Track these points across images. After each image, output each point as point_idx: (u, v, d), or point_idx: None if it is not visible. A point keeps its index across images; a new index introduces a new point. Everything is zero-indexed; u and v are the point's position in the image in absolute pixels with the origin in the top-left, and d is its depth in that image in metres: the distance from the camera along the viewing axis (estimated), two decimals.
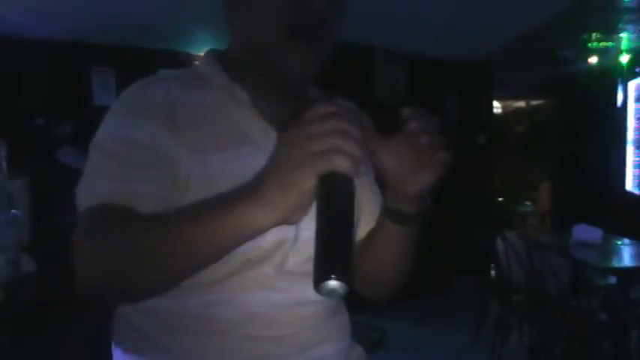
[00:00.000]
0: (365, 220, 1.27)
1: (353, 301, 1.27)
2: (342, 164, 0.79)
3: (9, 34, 6.15)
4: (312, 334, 1.18)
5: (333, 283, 0.77)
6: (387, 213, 1.14)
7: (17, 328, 1.73)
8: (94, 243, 0.95)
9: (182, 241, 0.89)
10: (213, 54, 1.24)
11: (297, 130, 0.82)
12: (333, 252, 0.79)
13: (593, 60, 7.89)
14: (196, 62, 1.26)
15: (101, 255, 0.93)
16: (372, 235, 1.25)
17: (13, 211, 1.89)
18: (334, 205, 0.81)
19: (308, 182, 0.80)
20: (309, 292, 1.14)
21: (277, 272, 1.12)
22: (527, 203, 11.41)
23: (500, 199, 10.42)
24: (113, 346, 1.21)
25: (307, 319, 1.17)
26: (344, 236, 0.80)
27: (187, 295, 1.07)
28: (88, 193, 1.02)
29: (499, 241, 4.91)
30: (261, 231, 0.86)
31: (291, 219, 0.84)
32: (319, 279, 0.78)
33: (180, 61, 6.49)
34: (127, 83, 1.15)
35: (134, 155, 1.03)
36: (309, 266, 1.14)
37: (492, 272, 5.33)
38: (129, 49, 6.63)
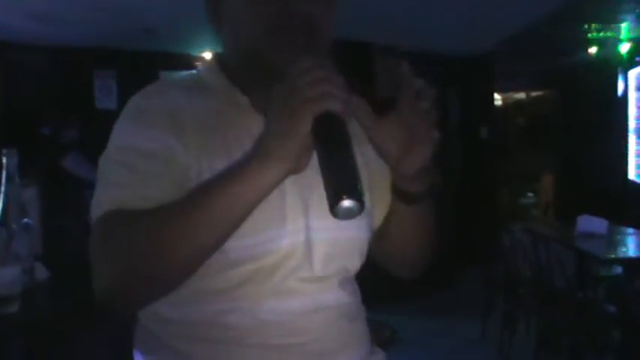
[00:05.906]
0: (379, 208, 1.28)
1: (362, 299, 1.28)
2: (333, 105, 0.89)
3: (9, 40, 6.16)
4: (331, 341, 1.15)
5: (346, 203, 0.83)
6: (395, 194, 1.18)
7: (34, 339, 1.74)
8: (112, 246, 0.99)
9: (199, 217, 0.94)
10: (216, 58, 1.24)
11: (287, 83, 0.91)
12: (341, 176, 0.86)
13: (593, 50, 7.89)
14: (199, 66, 1.26)
15: (122, 256, 0.97)
16: (388, 218, 1.28)
17: (26, 219, 1.89)
18: (333, 138, 0.89)
19: (305, 127, 0.89)
20: (325, 297, 1.16)
21: (292, 279, 1.10)
22: (530, 194, 11.39)
23: (502, 191, 10.41)
24: (135, 353, 1.21)
25: (325, 326, 1.14)
26: (347, 161, 0.87)
27: (201, 302, 1.08)
28: (101, 202, 1.04)
29: (504, 234, 4.91)
30: (274, 185, 0.95)
31: (297, 167, 0.93)
32: (333, 203, 0.83)
33: (181, 63, 6.50)
34: (129, 86, 1.16)
35: (144, 164, 1.05)
36: (325, 270, 1.15)
37: (497, 265, 5.33)
38: (130, 52, 6.63)
